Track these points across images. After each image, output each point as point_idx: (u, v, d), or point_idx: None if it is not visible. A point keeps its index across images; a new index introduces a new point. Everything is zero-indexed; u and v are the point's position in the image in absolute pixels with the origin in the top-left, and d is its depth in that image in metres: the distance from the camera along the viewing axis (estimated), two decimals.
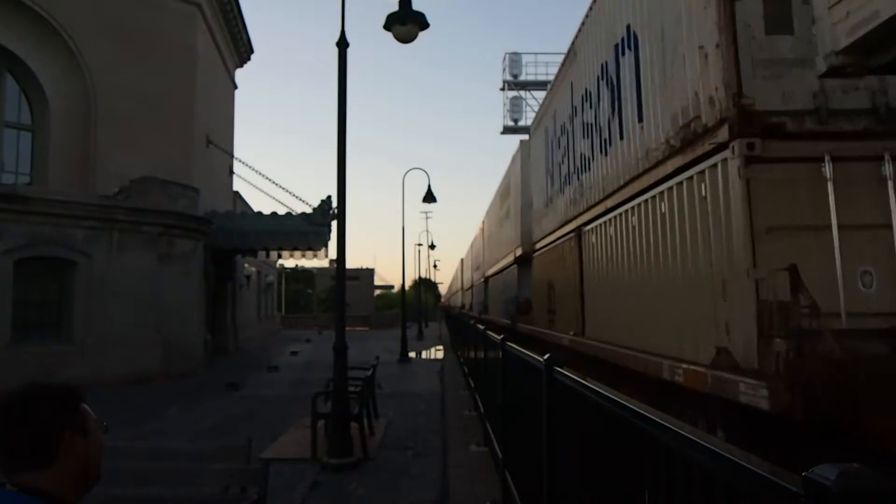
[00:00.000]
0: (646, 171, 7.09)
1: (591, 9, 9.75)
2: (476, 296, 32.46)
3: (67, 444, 1.52)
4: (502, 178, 21.56)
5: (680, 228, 6.17)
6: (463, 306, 42.40)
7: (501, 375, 5.71)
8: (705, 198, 5.56)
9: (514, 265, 17.63)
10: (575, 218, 10.68)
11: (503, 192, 20.77)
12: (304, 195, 68.64)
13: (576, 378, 2.76)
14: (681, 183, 6.11)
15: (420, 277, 50.16)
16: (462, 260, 48.47)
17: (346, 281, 8.82)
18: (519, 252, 16.56)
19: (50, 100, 19.06)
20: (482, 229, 27.70)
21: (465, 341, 14.29)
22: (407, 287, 33.80)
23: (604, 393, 2.30)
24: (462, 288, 46.96)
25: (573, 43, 10.88)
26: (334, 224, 12.68)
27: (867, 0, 2.89)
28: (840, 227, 4.80)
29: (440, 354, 25.51)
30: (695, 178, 5.79)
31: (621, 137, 8.07)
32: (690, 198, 5.91)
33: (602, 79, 9.01)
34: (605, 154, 8.82)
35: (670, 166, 6.36)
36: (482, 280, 27.90)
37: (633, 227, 7.58)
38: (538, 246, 14.53)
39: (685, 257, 6.05)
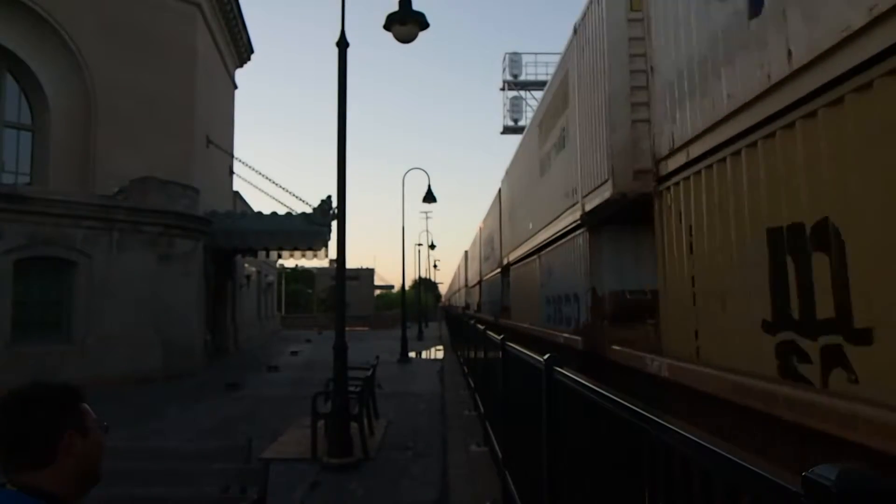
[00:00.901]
0: None
1: None
2: (488, 293, 24.38)
3: (67, 445, 1.52)
4: (546, 90, 12.79)
5: None
6: (467, 307, 35.61)
7: (501, 375, 5.71)
8: None
9: (580, 230, 9.39)
10: None
11: (552, 108, 11.63)
12: (304, 195, 68.74)
13: (576, 378, 2.76)
14: None
15: (420, 277, 50.17)
16: (466, 252, 39.89)
17: (346, 281, 8.82)
18: (605, 195, 7.88)
19: (50, 100, 19.06)
20: (498, 200, 20.57)
21: (465, 341, 14.29)
22: (407, 287, 33.81)
23: (604, 393, 2.30)
24: (466, 285, 39.29)
25: None
26: (334, 224, 12.68)
27: None
28: None
29: (440, 354, 25.51)
30: None
31: None
32: None
33: None
34: None
35: None
36: (497, 271, 20.10)
37: None
38: (699, 153, 5.18)
39: None
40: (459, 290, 48.30)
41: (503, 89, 30.82)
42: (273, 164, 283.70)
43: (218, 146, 23.67)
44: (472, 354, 11.54)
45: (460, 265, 48.26)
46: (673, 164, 5.85)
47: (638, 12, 7.54)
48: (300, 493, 6.51)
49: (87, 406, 1.63)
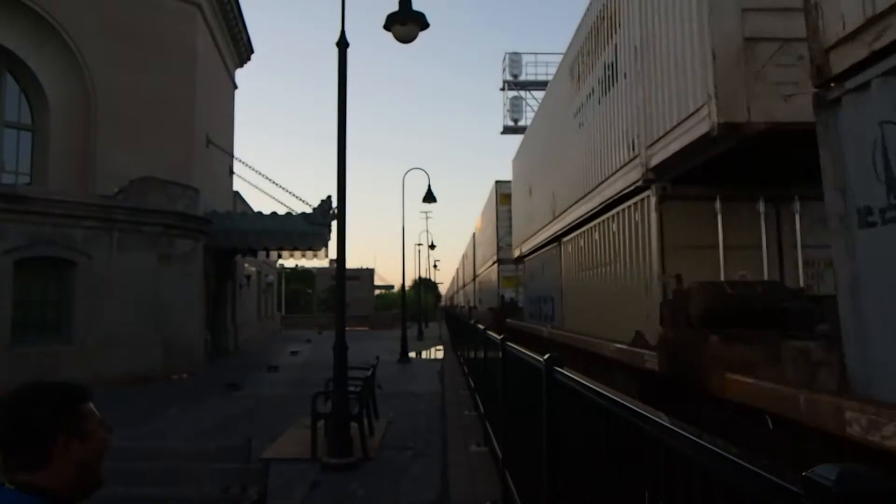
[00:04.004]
0: None
1: None
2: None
3: (62, 450, 1.50)
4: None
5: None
6: (511, 306, 21.00)
7: (501, 375, 5.71)
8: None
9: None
10: None
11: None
12: (304, 195, 68.78)
13: (576, 378, 2.76)
14: None
15: (420, 277, 50.12)
16: (496, 191, 24.56)
17: (346, 281, 8.81)
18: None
19: (50, 100, 19.06)
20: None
21: (465, 341, 14.28)
22: (407, 287, 33.76)
23: (604, 393, 2.29)
24: (499, 259, 24.20)
25: None
26: (334, 224, 12.67)
27: None
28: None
29: (440, 354, 25.49)
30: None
31: None
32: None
33: None
34: None
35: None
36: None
37: None
38: None
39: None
40: (468, 285, 33.64)
41: (503, 89, 30.83)
42: (273, 164, 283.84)
43: (218, 146, 23.67)
44: (471, 354, 11.55)
45: (476, 233, 33.90)
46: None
47: None
48: (300, 493, 6.51)
49: (90, 407, 1.59)
